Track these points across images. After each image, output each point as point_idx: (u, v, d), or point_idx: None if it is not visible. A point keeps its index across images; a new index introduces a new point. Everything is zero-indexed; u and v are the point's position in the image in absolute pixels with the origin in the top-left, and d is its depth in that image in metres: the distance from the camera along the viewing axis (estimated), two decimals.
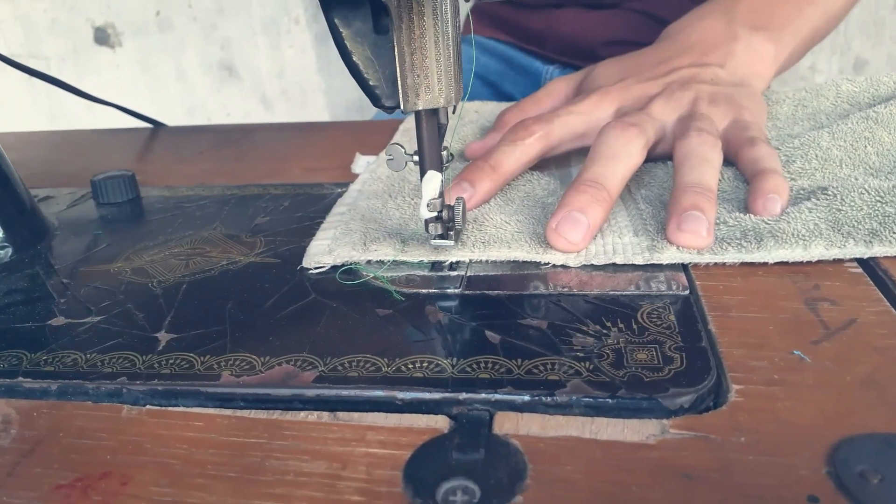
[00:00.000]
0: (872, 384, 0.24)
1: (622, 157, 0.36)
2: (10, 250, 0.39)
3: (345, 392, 0.25)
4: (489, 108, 0.55)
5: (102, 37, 1.38)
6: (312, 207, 0.42)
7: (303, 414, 0.25)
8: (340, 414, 0.25)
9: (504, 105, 0.56)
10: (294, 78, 1.43)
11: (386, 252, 0.34)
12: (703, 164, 0.35)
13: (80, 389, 0.27)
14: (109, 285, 0.35)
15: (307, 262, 0.35)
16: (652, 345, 0.26)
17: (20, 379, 0.28)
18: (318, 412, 0.25)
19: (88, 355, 0.29)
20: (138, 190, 0.47)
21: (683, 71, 0.45)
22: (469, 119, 0.54)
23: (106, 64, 1.38)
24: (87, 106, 1.09)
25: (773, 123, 0.47)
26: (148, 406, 0.26)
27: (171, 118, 0.67)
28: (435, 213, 0.32)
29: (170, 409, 0.26)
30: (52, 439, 0.25)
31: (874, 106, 0.44)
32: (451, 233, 0.33)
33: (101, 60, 1.38)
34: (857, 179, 0.37)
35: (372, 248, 0.34)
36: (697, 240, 0.32)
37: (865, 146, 0.41)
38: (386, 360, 0.27)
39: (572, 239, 0.32)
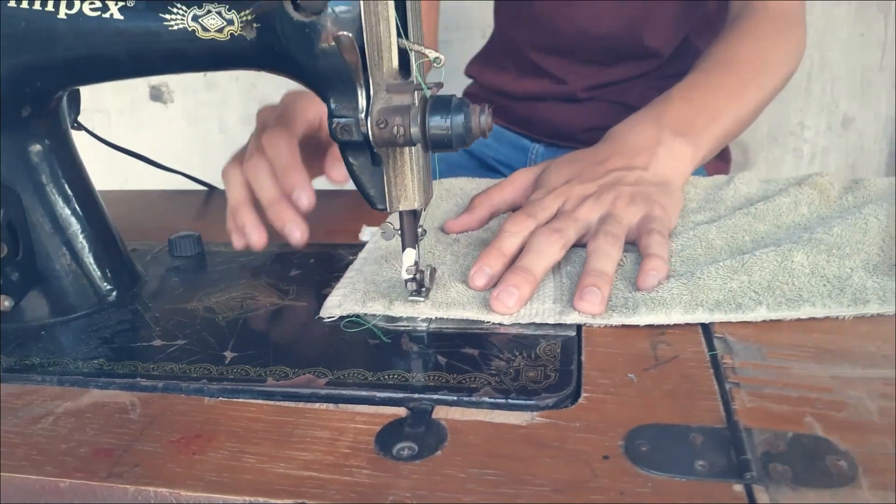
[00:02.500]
0: (671, 396, 0.39)
1: (546, 254, 0.50)
2: (115, 292, 0.55)
3: (344, 392, 0.41)
4: (470, 188, 0.71)
5: (157, 94, 1.58)
6: (332, 264, 0.58)
7: (318, 404, 0.40)
8: (341, 405, 0.40)
9: (481, 182, 0.71)
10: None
11: (378, 308, 0.49)
12: (605, 257, 0.49)
13: (177, 387, 0.43)
14: (189, 318, 0.51)
15: (323, 312, 0.50)
16: (540, 367, 0.41)
17: (138, 379, 0.44)
18: (327, 404, 0.40)
19: (180, 365, 0.45)
20: (203, 246, 0.63)
21: (615, 174, 0.58)
22: (454, 194, 0.69)
23: (159, 118, 1.58)
24: (142, 163, 1.28)
25: (683, 213, 0.61)
26: (220, 398, 0.42)
27: (214, 166, 0.81)
28: (411, 276, 0.48)
29: (234, 400, 0.42)
30: (163, 416, 0.40)
31: (756, 203, 0.58)
32: (423, 289, 0.49)
33: (155, 115, 1.57)
34: (725, 261, 0.51)
35: (368, 304, 0.49)
36: (593, 307, 0.46)
37: (743, 236, 0.54)
38: (371, 373, 0.42)
39: (509, 304, 0.47)
